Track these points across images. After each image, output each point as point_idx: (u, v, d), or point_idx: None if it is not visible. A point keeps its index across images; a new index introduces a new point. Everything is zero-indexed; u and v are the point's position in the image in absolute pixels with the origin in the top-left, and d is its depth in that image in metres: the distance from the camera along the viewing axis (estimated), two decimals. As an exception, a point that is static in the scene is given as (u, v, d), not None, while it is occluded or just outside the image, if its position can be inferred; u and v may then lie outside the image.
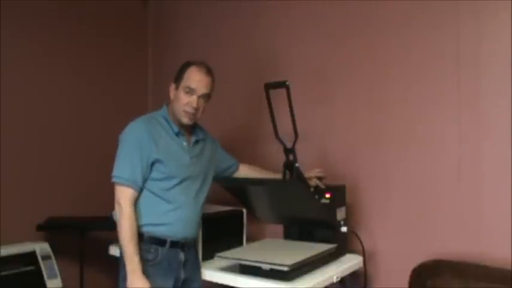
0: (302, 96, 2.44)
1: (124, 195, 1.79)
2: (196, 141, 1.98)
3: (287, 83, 1.99)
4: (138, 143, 1.82)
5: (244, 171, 2.25)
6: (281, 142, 2.08)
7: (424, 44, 2.11)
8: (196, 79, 1.88)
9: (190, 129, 1.98)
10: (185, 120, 1.90)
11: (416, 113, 2.13)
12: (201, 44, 3.01)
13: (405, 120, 2.17)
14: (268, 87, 2.08)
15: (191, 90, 1.87)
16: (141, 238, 1.81)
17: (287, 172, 2.05)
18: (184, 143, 1.93)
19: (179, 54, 3.08)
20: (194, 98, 1.87)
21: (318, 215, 2.06)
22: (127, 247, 1.75)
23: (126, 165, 1.81)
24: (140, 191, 1.83)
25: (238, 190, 2.10)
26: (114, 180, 1.82)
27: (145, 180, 1.83)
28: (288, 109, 2.02)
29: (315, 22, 2.47)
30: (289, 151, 2.05)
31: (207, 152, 2.02)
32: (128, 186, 1.80)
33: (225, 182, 2.12)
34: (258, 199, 2.11)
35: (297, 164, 2.02)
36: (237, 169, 2.23)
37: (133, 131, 1.86)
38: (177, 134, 1.91)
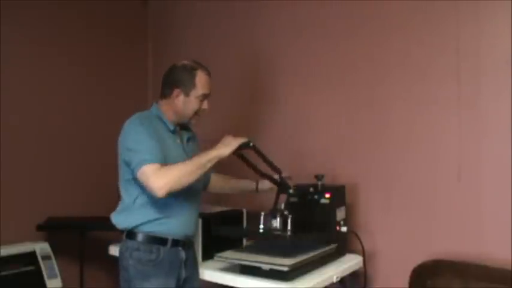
0: (301, 96, 2.44)
1: (150, 170, 1.68)
2: (188, 139, 1.99)
3: (251, 144, 1.86)
4: (148, 130, 1.78)
5: (216, 182, 2.20)
6: (267, 177, 2.03)
7: (424, 43, 2.11)
8: (208, 85, 1.91)
9: (181, 127, 1.98)
10: (194, 121, 1.94)
11: (416, 113, 2.13)
12: (200, 44, 3.00)
13: (405, 120, 2.16)
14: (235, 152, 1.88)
15: (206, 96, 1.91)
16: (142, 238, 1.81)
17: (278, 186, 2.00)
18: (178, 141, 1.93)
19: (179, 53, 3.08)
20: (206, 101, 1.91)
21: (318, 215, 2.05)
22: (200, 161, 1.74)
23: (144, 150, 1.73)
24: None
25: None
26: (136, 169, 1.70)
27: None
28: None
29: (314, 21, 2.47)
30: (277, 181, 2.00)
31: (197, 150, 2.00)
32: (151, 163, 1.71)
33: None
34: None
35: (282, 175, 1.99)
36: (210, 178, 2.18)
37: (140, 122, 1.82)
38: (172, 132, 1.91)
